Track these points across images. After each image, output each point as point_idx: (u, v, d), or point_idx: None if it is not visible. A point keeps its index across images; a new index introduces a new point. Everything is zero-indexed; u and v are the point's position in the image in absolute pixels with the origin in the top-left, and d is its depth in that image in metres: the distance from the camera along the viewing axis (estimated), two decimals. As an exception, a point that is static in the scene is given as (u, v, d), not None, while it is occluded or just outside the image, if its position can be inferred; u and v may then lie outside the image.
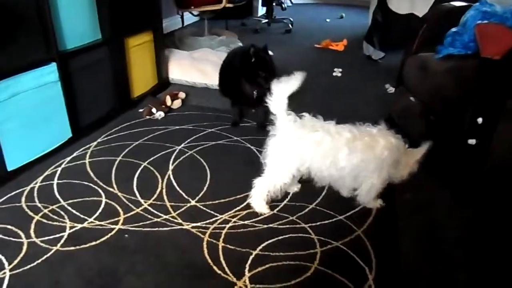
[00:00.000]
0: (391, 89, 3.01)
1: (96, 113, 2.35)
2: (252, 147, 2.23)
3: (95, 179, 1.91)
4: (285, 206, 1.77)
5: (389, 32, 3.56)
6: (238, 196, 1.82)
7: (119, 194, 1.81)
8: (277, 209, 1.75)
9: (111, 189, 1.84)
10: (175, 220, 1.66)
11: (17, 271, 1.39)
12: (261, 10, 5.53)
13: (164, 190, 1.85)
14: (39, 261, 1.43)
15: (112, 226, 1.61)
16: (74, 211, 1.68)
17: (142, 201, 1.77)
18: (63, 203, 1.73)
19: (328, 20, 5.48)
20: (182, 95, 2.79)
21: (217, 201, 1.78)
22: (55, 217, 1.65)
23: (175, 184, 1.89)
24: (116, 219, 1.66)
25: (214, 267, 1.44)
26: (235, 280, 1.39)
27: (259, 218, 1.69)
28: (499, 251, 1.57)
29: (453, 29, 2.14)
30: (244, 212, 1.72)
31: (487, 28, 1.99)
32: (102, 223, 1.63)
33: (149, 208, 1.73)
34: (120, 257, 1.47)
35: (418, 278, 1.46)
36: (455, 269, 1.49)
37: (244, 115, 2.57)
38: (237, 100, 2.45)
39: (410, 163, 1.67)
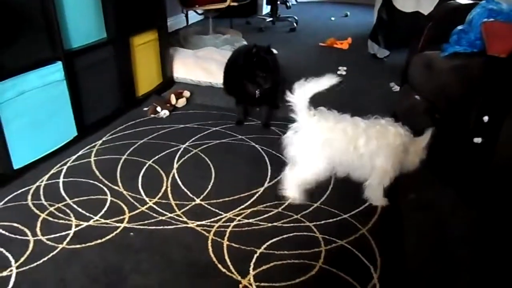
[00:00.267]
0: (396, 88, 3.00)
1: (101, 111, 2.36)
2: (256, 146, 2.23)
3: (101, 177, 1.91)
4: (290, 204, 1.77)
5: (394, 30, 3.55)
6: (242, 195, 1.82)
7: (124, 192, 1.82)
8: (282, 207, 1.75)
9: (116, 188, 1.84)
10: (180, 219, 1.67)
11: (24, 268, 1.40)
12: (266, 9, 5.53)
13: (169, 189, 1.85)
14: (45, 258, 1.44)
15: (117, 225, 1.62)
16: (79, 209, 1.69)
17: (147, 199, 1.78)
18: (68, 201, 1.74)
19: (333, 18, 5.47)
20: (186, 93, 2.79)
21: (221, 200, 1.79)
22: (61, 215, 1.66)
23: (179, 182, 1.90)
24: (121, 217, 1.66)
25: (219, 265, 1.44)
26: (240, 278, 1.39)
27: (264, 216, 1.69)
28: (504, 250, 1.56)
29: (459, 27, 2.13)
30: (249, 211, 1.72)
31: (493, 26, 1.98)
32: (107, 221, 1.64)
33: (154, 206, 1.74)
34: (125, 255, 1.48)
35: (423, 276, 1.45)
36: (459, 268, 1.48)
37: (248, 114, 2.57)
38: (241, 98, 2.45)
39: (418, 151, 1.73)
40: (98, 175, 1.93)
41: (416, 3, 3.39)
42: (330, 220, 1.69)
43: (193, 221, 1.65)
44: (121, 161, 2.05)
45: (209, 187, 1.87)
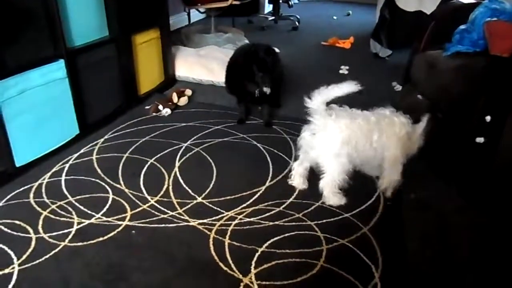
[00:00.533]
0: (398, 87, 3.00)
1: (103, 110, 2.36)
2: (258, 145, 2.23)
3: (102, 175, 1.92)
4: (291, 203, 1.78)
5: (397, 29, 3.54)
6: (244, 193, 1.82)
7: (126, 190, 1.82)
8: (283, 206, 1.75)
9: (118, 186, 1.85)
10: (182, 217, 1.67)
11: (26, 266, 1.40)
12: (268, 8, 5.52)
13: (170, 187, 1.85)
14: (47, 256, 1.45)
15: (119, 222, 1.63)
16: (81, 207, 1.70)
17: (148, 197, 1.78)
18: (70, 199, 1.75)
19: (335, 17, 5.46)
20: (188, 92, 2.79)
21: (223, 198, 1.79)
22: (63, 213, 1.66)
23: (181, 181, 1.90)
24: (123, 215, 1.67)
25: (220, 264, 1.44)
26: (241, 277, 1.39)
27: (265, 215, 1.69)
28: (507, 250, 1.56)
29: (462, 27, 2.12)
30: (250, 209, 1.72)
31: (496, 25, 1.97)
32: (109, 219, 1.64)
33: (156, 204, 1.74)
34: (127, 253, 1.48)
35: (424, 276, 1.45)
36: (462, 268, 1.48)
37: (250, 113, 2.57)
38: (242, 97, 2.45)
39: (416, 138, 1.79)
40: (100, 173, 1.94)
41: (419, 2, 3.38)
42: (332, 219, 1.69)
43: (194, 220, 1.65)
44: (123, 159, 2.05)
45: (211, 185, 1.88)
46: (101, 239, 1.54)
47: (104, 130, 2.32)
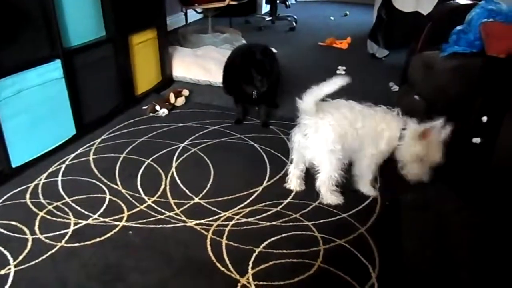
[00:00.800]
0: (395, 87, 3.00)
1: (100, 110, 2.36)
2: (255, 145, 2.23)
3: (99, 176, 1.91)
4: (289, 203, 1.78)
5: (394, 30, 3.55)
6: (241, 194, 1.82)
7: (123, 191, 1.82)
8: (280, 206, 1.75)
9: (115, 186, 1.84)
10: (179, 217, 1.67)
11: (22, 267, 1.40)
12: (265, 8, 5.53)
13: (167, 187, 1.85)
14: (44, 257, 1.44)
15: (116, 223, 1.62)
16: (78, 208, 1.69)
17: (146, 198, 1.78)
18: (67, 199, 1.74)
19: (332, 18, 5.47)
20: (185, 92, 2.79)
21: (220, 199, 1.79)
22: (60, 213, 1.66)
23: (178, 181, 1.90)
24: (120, 215, 1.66)
25: (218, 264, 1.44)
26: (239, 277, 1.39)
27: (263, 215, 1.69)
28: (503, 250, 1.57)
29: (458, 27, 2.13)
30: (247, 210, 1.72)
31: (492, 26, 1.98)
32: (106, 219, 1.64)
33: (153, 205, 1.74)
34: (124, 253, 1.48)
35: (421, 276, 1.46)
36: (458, 267, 1.48)
37: (247, 113, 2.57)
38: (240, 98, 2.45)
39: (416, 141, 1.69)
40: (97, 173, 1.93)
41: (416, 3, 3.39)
42: (329, 220, 1.69)
43: (192, 220, 1.65)
44: (120, 160, 2.05)
45: (208, 186, 1.87)
46: (98, 239, 1.53)
47: (101, 130, 2.31)
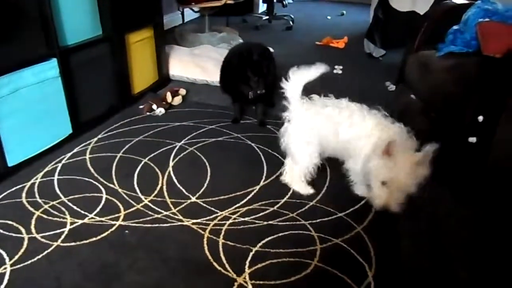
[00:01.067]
0: (392, 87, 3.01)
1: (96, 109, 2.35)
2: (252, 144, 2.23)
3: (96, 175, 1.91)
4: (286, 203, 1.78)
5: (390, 29, 3.55)
6: (238, 193, 1.82)
7: (120, 190, 1.81)
8: (277, 206, 1.75)
9: (111, 185, 1.84)
10: (176, 217, 1.67)
11: (18, 266, 1.39)
12: (262, 7, 5.52)
13: (164, 187, 1.85)
14: (40, 256, 1.44)
15: (113, 222, 1.62)
16: (74, 207, 1.69)
17: (142, 197, 1.77)
18: (63, 199, 1.73)
19: (329, 17, 5.47)
20: (182, 91, 2.78)
21: (217, 198, 1.79)
22: (56, 212, 1.65)
23: (175, 180, 1.90)
24: (117, 215, 1.66)
25: (214, 264, 1.44)
26: (235, 277, 1.39)
27: (259, 215, 1.69)
28: (500, 249, 1.58)
29: (455, 27, 2.13)
30: (244, 209, 1.72)
31: (489, 26, 1.99)
32: (102, 219, 1.63)
33: (150, 204, 1.73)
34: (120, 253, 1.48)
35: (418, 275, 1.46)
36: (455, 266, 1.49)
37: (244, 112, 2.57)
38: (237, 97, 2.45)
39: (408, 163, 1.45)
40: (93, 172, 1.92)
41: (412, 2, 3.39)
42: (326, 219, 1.69)
43: (188, 219, 1.65)
44: (117, 159, 2.04)
45: (205, 185, 1.87)
46: (94, 239, 1.53)
47: (97, 129, 2.31)
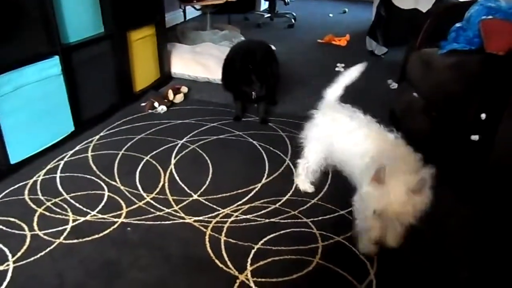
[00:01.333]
0: (394, 85, 3.00)
1: (98, 107, 2.35)
2: (254, 142, 2.23)
3: (98, 172, 1.91)
4: (287, 200, 1.78)
5: (393, 27, 3.55)
6: (240, 191, 1.82)
7: (122, 187, 1.81)
8: (279, 203, 1.75)
9: (113, 183, 1.84)
10: (178, 214, 1.67)
11: (21, 263, 1.40)
12: (264, 5, 5.51)
13: (166, 184, 1.85)
14: (42, 253, 1.44)
15: (115, 220, 1.62)
16: (77, 204, 1.69)
17: (144, 194, 1.78)
18: (65, 196, 1.74)
19: (331, 15, 5.46)
20: (184, 89, 2.78)
21: (219, 195, 1.79)
22: (58, 210, 1.66)
23: (177, 178, 1.90)
24: (119, 212, 1.66)
25: (216, 261, 1.44)
26: (237, 274, 1.39)
27: (261, 212, 1.70)
28: (501, 248, 1.57)
29: (457, 25, 2.13)
30: (246, 207, 1.72)
31: (491, 23, 1.98)
32: (104, 216, 1.64)
33: (152, 201, 1.74)
34: (122, 250, 1.48)
35: (419, 273, 1.46)
36: (456, 265, 1.49)
37: (246, 110, 2.57)
38: (239, 95, 2.45)
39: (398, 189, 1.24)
40: (95, 170, 1.93)
41: (415, 0, 3.38)
42: (327, 216, 1.69)
43: (190, 217, 1.65)
44: (119, 157, 2.04)
45: (207, 182, 1.87)
46: (96, 236, 1.53)
47: (99, 127, 2.31)
